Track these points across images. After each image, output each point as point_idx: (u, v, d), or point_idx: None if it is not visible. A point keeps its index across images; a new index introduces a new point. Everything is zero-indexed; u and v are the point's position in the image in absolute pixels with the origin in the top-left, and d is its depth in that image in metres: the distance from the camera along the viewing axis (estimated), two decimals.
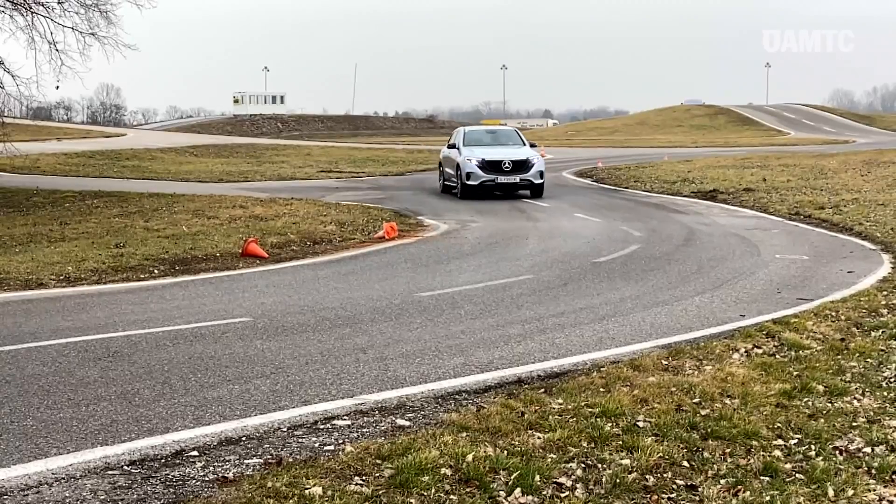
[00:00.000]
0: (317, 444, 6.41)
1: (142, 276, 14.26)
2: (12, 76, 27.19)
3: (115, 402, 7.24)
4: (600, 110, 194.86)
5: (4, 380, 7.83)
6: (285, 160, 49.12)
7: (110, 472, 5.75)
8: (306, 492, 5.40)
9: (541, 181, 28.21)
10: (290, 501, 5.29)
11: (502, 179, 27.71)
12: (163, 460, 6.01)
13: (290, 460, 6.00)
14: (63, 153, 45.41)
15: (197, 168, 41.84)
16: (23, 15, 27.73)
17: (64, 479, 5.62)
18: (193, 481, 5.66)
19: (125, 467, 5.86)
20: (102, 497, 5.35)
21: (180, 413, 6.99)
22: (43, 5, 27.67)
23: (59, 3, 27.75)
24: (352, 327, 10.30)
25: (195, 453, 6.15)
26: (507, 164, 27.77)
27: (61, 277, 13.81)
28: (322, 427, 6.80)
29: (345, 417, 7.03)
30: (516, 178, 27.76)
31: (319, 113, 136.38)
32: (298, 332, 9.98)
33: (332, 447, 6.33)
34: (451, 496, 5.50)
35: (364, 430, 6.76)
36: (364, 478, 5.70)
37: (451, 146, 29.60)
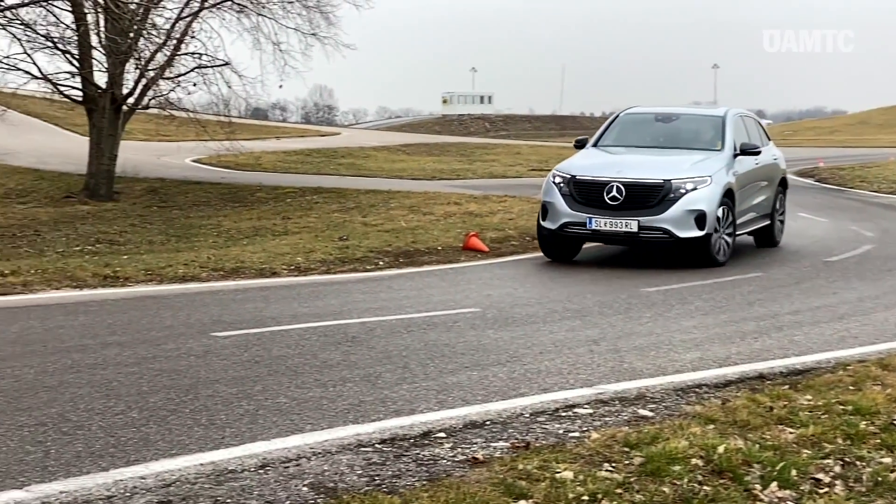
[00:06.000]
0: (560, 431, 6.38)
1: (367, 267, 14.58)
2: (239, 76, 28.42)
3: (359, 383, 7.42)
4: (816, 110, 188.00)
5: (254, 360, 8.15)
6: (495, 158, 49.44)
7: (363, 449, 5.89)
8: (557, 475, 5.38)
9: (695, 234, 13.91)
10: (543, 484, 5.28)
11: (600, 223, 14.06)
12: (412, 440, 6.11)
13: (538, 445, 6.00)
14: (282, 151, 47.06)
15: (409, 166, 42.59)
16: (249, 17, 28.97)
17: (321, 453, 5.78)
18: (444, 461, 5.72)
19: (377, 445, 5.98)
20: (359, 472, 5.48)
21: (423, 396, 7.10)
22: (267, 7, 28.81)
23: (282, 4, 28.81)
24: (581, 320, 10.25)
25: (442, 435, 6.22)
26: (614, 192, 14.01)
27: (292, 267, 14.27)
28: (564, 414, 6.78)
29: (585, 406, 6.99)
30: (631, 223, 13.88)
31: (526, 113, 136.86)
32: (528, 323, 10.00)
33: (577, 434, 6.29)
34: (705, 486, 5.38)
35: (606, 418, 6.70)
36: (614, 465, 5.64)
37: (580, 143, 16.59)
